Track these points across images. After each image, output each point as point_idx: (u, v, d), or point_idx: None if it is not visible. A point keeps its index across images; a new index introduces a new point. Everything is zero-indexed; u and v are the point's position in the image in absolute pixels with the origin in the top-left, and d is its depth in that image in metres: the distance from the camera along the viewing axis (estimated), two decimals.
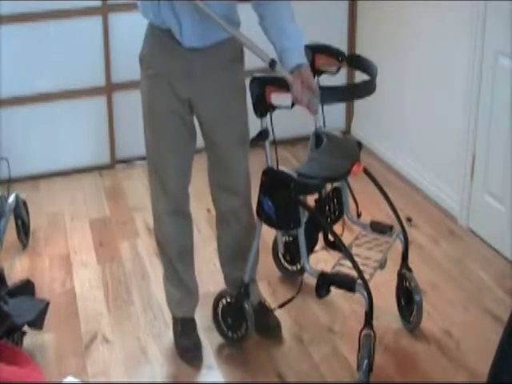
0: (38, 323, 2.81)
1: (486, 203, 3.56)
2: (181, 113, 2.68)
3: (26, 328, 2.80)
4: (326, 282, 2.65)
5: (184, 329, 2.92)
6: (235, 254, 2.89)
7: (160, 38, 2.62)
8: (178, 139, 2.71)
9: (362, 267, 2.64)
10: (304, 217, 2.68)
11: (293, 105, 2.57)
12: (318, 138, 2.95)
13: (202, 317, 2.99)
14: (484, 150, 3.53)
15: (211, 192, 2.86)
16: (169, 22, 2.53)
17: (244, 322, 2.84)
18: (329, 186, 2.98)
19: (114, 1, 4.20)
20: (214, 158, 2.79)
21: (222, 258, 2.97)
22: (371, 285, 2.61)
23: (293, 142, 4.33)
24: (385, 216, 3.29)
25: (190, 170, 2.80)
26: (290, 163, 4.00)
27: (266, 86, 2.59)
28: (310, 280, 2.81)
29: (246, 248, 2.82)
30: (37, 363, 2.50)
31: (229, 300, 2.89)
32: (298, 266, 3.24)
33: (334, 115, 3.51)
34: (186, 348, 2.88)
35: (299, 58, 2.48)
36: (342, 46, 3.56)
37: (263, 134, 2.67)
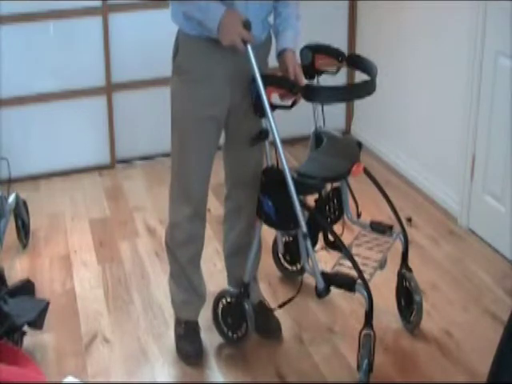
0: (38, 323, 2.81)
1: (485, 203, 3.55)
2: (218, 117, 2.66)
3: (26, 328, 2.79)
4: (325, 282, 2.65)
5: (187, 332, 2.89)
6: (242, 248, 2.86)
7: (206, 43, 2.56)
8: (208, 145, 2.69)
9: (361, 267, 2.64)
10: (304, 217, 2.68)
11: (292, 105, 2.56)
12: (318, 137, 2.95)
13: (202, 317, 2.98)
14: (484, 150, 3.53)
15: (228, 186, 2.86)
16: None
17: (244, 321, 2.84)
18: (329, 186, 2.98)
19: (113, 1, 4.20)
20: (235, 153, 2.78)
21: (229, 254, 2.95)
22: (371, 285, 2.61)
23: (292, 141, 4.33)
24: (385, 216, 3.28)
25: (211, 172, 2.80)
26: (290, 163, 3.99)
27: (266, 86, 2.59)
28: (310, 280, 2.81)
29: (249, 242, 2.82)
30: (37, 363, 2.50)
31: (229, 300, 2.88)
32: (298, 266, 3.24)
33: (334, 115, 3.51)
34: (188, 354, 2.85)
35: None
36: (342, 46, 3.55)
37: (263, 134, 2.67)
